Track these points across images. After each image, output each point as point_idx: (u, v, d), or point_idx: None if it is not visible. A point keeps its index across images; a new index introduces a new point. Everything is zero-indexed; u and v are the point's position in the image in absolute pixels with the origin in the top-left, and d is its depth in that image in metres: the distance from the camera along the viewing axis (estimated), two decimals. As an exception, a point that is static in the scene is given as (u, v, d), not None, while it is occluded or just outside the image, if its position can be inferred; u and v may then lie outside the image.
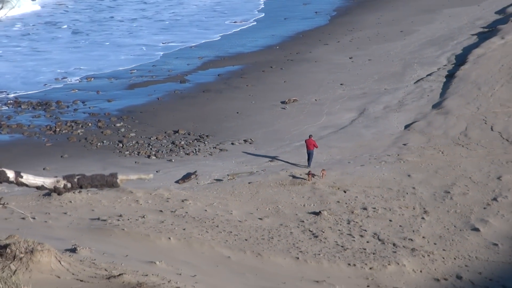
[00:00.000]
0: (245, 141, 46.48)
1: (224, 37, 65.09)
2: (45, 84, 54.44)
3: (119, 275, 20.50)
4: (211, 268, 29.68)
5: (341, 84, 53.58)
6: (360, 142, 45.80)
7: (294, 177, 41.57)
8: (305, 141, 43.07)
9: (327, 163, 43.32)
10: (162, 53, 61.60)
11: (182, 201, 37.67)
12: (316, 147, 42.80)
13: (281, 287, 28.14)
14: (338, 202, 38.79)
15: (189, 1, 75.96)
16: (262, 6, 73.71)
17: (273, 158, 44.12)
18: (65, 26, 68.69)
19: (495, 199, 38.84)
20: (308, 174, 41.26)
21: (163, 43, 63.58)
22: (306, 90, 52.69)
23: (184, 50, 61.62)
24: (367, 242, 34.82)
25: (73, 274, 20.27)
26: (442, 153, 44.02)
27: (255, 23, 68.47)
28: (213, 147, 45.77)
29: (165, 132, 47.15)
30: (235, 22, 68.41)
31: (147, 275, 21.43)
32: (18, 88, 53.37)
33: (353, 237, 35.19)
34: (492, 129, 46.37)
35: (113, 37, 65.94)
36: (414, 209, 38.15)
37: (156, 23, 69.43)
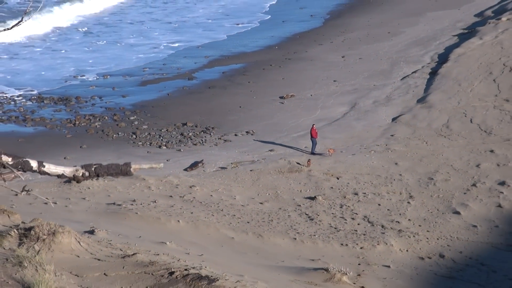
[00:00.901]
0: (247, 132, 46.47)
1: (228, 38, 65.00)
2: (66, 81, 54.41)
3: (133, 254, 20.50)
4: (217, 248, 29.70)
5: (334, 81, 53.53)
6: (352, 133, 45.80)
7: (297, 163, 41.75)
8: (310, 130, 43.47)
9: (321, 152, 43.32)
10: (171, 52, 61.52)
11: (190, 187, 37.69)
12: (315, 137, 43.16)
13: (280, 265, 28.15)
14: (332, 188, 38.81)
15: (195, 5, 75.62)
16: (265, 10, 73.55)
17: (287, 146, 44.44)
18: (82, 29, 68.29)
19: (474, 185, 38.85)
20: (308, 160, 41.62)
21: (172, 44, 63.49)
22: (302, 86, 52.64)
23: (192, 50, 61.54)
24: (358, 224, 34.86)
25: (91, 253, 20.28)
26: (426, 143, 44.02)
27: (258, 24, 68.29)
28: (218, 138, 45.77)
29: (175, 125, 47.13)
30: (238, 24, 68.25)
31: (158, 255, 21.43)
32: (41, 85, 53.34)
33: (345, 219, 35.21)
34: (471, 122, 46.35)
35: (124, 38, 65.73)
36: (400, 194, 38.18)
37: (165, 25, 69.23)
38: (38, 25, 64.57)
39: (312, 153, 43.25)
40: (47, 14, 67.46)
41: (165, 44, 63.11)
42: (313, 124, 44.10)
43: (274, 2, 74.89)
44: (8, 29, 8.32)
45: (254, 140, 45.63)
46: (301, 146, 44.29)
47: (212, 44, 62.94)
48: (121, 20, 72.31)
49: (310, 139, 43.57)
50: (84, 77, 55.36)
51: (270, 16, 70.88)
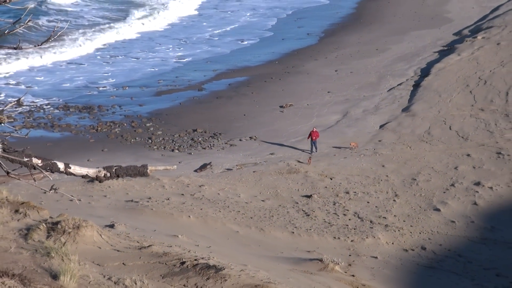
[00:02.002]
0: (250, 138, 46.45)
1: (233, 53, 64.91)
2: (89, 92, 54.40)
3: (149, 246, 20.50)
4: (223, 241, 29.70)
5: (328, 92, 53.49)
6: (344, 139, 45.76)
7: (299, 161, 42.17)
8: (310, 133, 43.87)
9: (317, 155, 43.28)
10: (181, 65, 61.44)
11: (200, 186, 37.69)
12: (318, 137, 43.85)
13: (279, 256, 28.15)
14: (326, 187, 38.80)
15: (202, 24, 75.38)
16: (267, 28, 73.51)
17: (290, 146, 44.88)
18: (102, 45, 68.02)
19: (452, 185, 38.83)
20: (308, 159, 42.21)
21: (182, 59, 63.41)
22: (300, 97, 52.61)
23: (201, 64, 61.46)
24: (349, 219, 34.87)
25: (111, 245, 20.27)
26: (409, 148, 43.99)
27: (260, 41, 68.18)
28: (225, 143, 45.77)
29: (186, 131, 47.13)
30: (242, 41, 68.22)
31: (171, 246, 21.42)
32: (67, 95, 53.34)
33: (338, 215, 35.21)
34: (450, 129, 46.31)
35: (137, 53, 65.50)
36: (387, 193, 38.15)
37: (173, 41, 68.95)
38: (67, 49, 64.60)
39: (311, 152, 43.67)
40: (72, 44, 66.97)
41: (175, 60, 62.97)
42: (314, 127, 44.51)
43: (274, 23, 74.72)
44: (38, 45, 8.30)
45: (256, 144, 45.64)
46: (298, 150, 44.30)
47: (219, 59, 62.89)
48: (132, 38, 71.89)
49: (310, 142, 43.82)
50: (105, 88, 55.37)
51: (272, 34, 70.77)
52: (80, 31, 69.30)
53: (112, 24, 72.74)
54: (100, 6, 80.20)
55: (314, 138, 43.65)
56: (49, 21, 72.37)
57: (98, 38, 68.30)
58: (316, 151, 43.81)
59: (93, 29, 70.81)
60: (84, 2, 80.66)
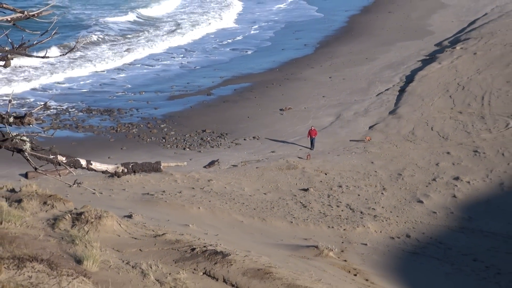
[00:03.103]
0: (253, 137, 46.44)
1: (238, 62, 64.88)
2: (109, 97, 54.40)
3: (163, 234, 20.48)
4: (229, 229, 29.67)
5: (323, 96, 53.45)
6: (337, 139, 45.74)
7: (299, 157, 42.58)
8: (309, 130, 44.32)
9: (314, 152, 43.26)
10: (193, 73, 61.43)
11: (208, 181, 37.68)
12: (316, 135, 44.23)
13: (279, 243, 28.11)
14: (321, 181, 38.78)
15: (210, 37, 75.40)
16: (266, 39, 73.46)
17: (293, 143, 45.25)
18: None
19: (434, 179, 38.80)
20: (308, 155, 42.45)
21: (194, 67, 63.40)
22: (298, 101, 52.59)
23: (209, 72, 61.43)
24: (342, 210, 34.82)
25: (129, 233, 20.25)
26: (396, 146, 43.95)
27: (262, 51, 68.17)
28: (231, 142, 45.74)
29: (196, 131, 47.12)
30: (246, 51, 68.21)
31: (183, 234, 21.40)
32: (90, 99, 53.37)
33: (332, 207, 35.17)
34: (432, 129, 46.27)
35: (149, 60, 65.52)
36: (375, 186, 38.13)
37: (188, 52, 68.95)
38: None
39: (311, 149, 43.91)
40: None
41: (187, 68, 62.96)
42: (312, 126, 44.95)
43: (273, 35, 74.67)
44: (63, 54, 8.25)
45: (259, 143, 45.63)
46: (297, 148, 44.31)
47: (226, 67, 62.89)
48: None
49: (308, 139, 44.28)
50: (124, 93, 55.36)
51: (270, 44, 70.70)
52: (113, 45, 69.02)
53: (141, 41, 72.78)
54: (132, 26, 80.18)
55: (313, 136, 44.05)
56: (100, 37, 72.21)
57: (130, 52, 68.13)
58: (314, 147, 44.08)
59: (121, 43, 70.81)
60: (126, 24, 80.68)
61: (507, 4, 77.30)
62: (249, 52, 67.94)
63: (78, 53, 64.68)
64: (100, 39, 70.98)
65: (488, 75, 54.78)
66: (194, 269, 17.83)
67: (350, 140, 45.35)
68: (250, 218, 32.72)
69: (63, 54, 8.25)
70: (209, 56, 67.20)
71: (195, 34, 76.33)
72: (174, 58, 66.94)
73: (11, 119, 7.30)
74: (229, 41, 73.42)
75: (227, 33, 77.48)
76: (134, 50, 68.83)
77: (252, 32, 76.79)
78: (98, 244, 17.04)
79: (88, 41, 68.47)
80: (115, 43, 70.92)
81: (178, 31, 77.32)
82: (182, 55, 67.71)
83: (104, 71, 61.83)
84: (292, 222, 32.86)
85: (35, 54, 8.02)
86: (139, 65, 64.31)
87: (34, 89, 56.06)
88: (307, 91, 54.73)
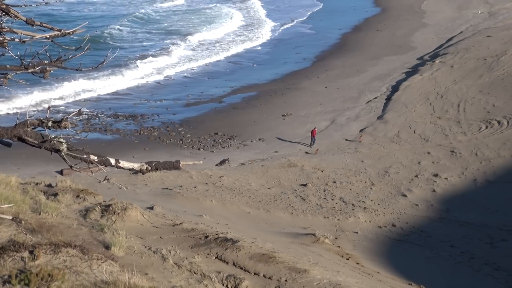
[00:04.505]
0: (259, 139, 46.43)
1: (245, 74, 64.83)
2: (134, 104, 54.44)
3: (180, 223, 20.48)
4: (238, 220, 29.68)
5: (320, 104, 53.41)
6: (332, 140, 45.72)
7: (306, 152, 43.47)
8: (311, 131, 45.24)
9: (311, 153, 43.25)
10: (206, 84, 61.37)
11: (220, 177, 37.69)
12: (314, 135, 45.05)
13: (281, 231, 28.10)
14: (318, 178, 38.75)
15: (219, 51, 75.15)
16: (266, 52, 73.30)
17: (297, 142, 45.78)
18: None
19: (416, 176, 38.77)
20: (316, 150, 43.51)
21: (207, 78, 63.34)
22: (297, 108, 52.57)
23: (220, 82, 61.40)
24: (336, 203, 34.81)
25: (151, 223, 20.27)
26: (383, 147, 43.91)
27: (266, 65, 68.08)
28: (239, 143, 45.74)
29: (209, 134, 47.13)
30: (253, 65, 68.14)
31: (197, 224, 21.41)
32: (117, 107, 53.41)
33: (327, 200, 35.16)
34: (414, 132, 46.21)
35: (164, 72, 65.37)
36: (365, 182, 38.10)
37: (201, 66, 68.62)
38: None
39: (313, 144, 44.67)
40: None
41: (202, 79, 62.91)
42: (315, 127, 45.51)
43: (276, 50, 74.49)
44: (95, 67, 8.27)
45: (264, 144, 45.62)
46: (296, 149, 44.31)
47: (235, 78, 62.84)
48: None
49: (311, 137, 45.06)
50: (146, 101, 55.38)
51: (273, 58, 70.61)
52: (138, 60, 68.57)
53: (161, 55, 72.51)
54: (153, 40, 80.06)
55: (313, 135, 44.79)
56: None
57: (151, 62, 67.72)
58: (313, 144, 44.48)
59: (146, 57, 70.58)
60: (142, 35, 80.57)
61: (480, 23, 77.13)
62: (255, 66, 67.87)
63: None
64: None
65: (463, 85, 54.68)
66: (208, 254, 17.83)
67: (346, 140, 45.45)
68: (256, 210, 32.73)
69: (95, 67, 8.27)
70: (219, 68, 67.05)
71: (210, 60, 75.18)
72: (191, 70, 66.84)
73: (50, 124, 7.32)
74: (235, 53, 73.35)
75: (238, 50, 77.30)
76: (157, 58, 68.72)
77: (258, 48, 76.62)
78: (124, 232, 17.05)
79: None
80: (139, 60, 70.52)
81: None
82: (197, 68, 67.58)
83: (140, 86, 61.30)
84: (292, 213, 32.86)
85: (69, 67, 8.05)
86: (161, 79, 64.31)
87: (61, 97, 56.11)
88: (305, 99, 54.72)
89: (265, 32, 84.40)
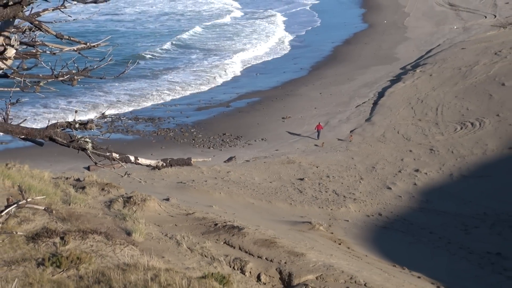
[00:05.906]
0: (262, 139, 46.39)
1: (250, 82, 64.71)
2: (152, 108, 54.43)
3: (193, 213, 20.49)
4: (243, 209, 29.68)
5: (315, 108, 53.32)
6: (325, 140, 45.63)
7: (315, 145, 44.12)
8: (316, 126, 46.03)
9: (308, 150, 43.18)
10: (214, 91, 61.24)
11: (227, 172, 37.67)
12: (322, 128, 45.93)
13: (281, 220, 28.08)
14: (313, 173, 38.70)
15: (214, 62, 74.99)
16: (267, 61, 73.10)
17: (301, 135, 46.16)
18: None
19: (399, 171, 38.69)
20: (322, 143, 43.87)
21: (215, 85, 63.17)
22: (295, 111, 52.48)
23: (228, 89, 61.35)
24: (329, 195, 34.76)
25: (167, 212, 20.27)
26: (370, 146, 43.82)
27: (269, 73, 67.93)
28: (244, 143, 45.70)
29: (218, 134, 47.10)
30: (256, 74, 68.04)
31: (208, 213, 21.41)
32: (138, 110, 53.39)
33: (322, 192, 35.11)
34: (398, 133, 46.11)
35: (178, 82, 65.23)
36: (355, 177, 38.02)
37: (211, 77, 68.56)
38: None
39: (317, 139, 45.17)
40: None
41: (211, 85, 62.72)
42: (319, 122, 46.37)
43: (276, 61, 74.33)
44: (117, 76, 8.25)
45: (266, 144, 45.58)
46: (295, 147, 44.21)
47: (240, 85, 62.76)
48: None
49: (315, 131, 45.83)
50: (163, 105, 55.36)
51: (274, 67, 70.50)
52: (163, 71, 68.60)
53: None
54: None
55: (319, 129, 45.62)
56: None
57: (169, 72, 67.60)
58: (318, 139, 45.02)
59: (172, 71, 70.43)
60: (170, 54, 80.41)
61: (455, 37, 76.93)
62: (258, 75, 67.78)
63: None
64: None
65: (441, 92, 54.56)
66: (217, 239, 17.82)
67: (338, 139, 45.39)
68: (259, 201, 32.71)
69: (117, 76, 8.25)
70: (227, 78, 67.00)
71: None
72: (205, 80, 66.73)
73: (77, 125, 7.31)
74: (243, 67, 73.25)
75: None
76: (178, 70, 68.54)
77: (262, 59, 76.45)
78: (143, 221, 17.06)
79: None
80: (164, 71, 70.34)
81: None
82: (208, 78, 67.47)
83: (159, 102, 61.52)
84: (291, 204, 32.82)
85: (94, 76, 8.03)
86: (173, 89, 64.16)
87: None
88: (302, 104, 54.65)
89: (268, 48, 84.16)
